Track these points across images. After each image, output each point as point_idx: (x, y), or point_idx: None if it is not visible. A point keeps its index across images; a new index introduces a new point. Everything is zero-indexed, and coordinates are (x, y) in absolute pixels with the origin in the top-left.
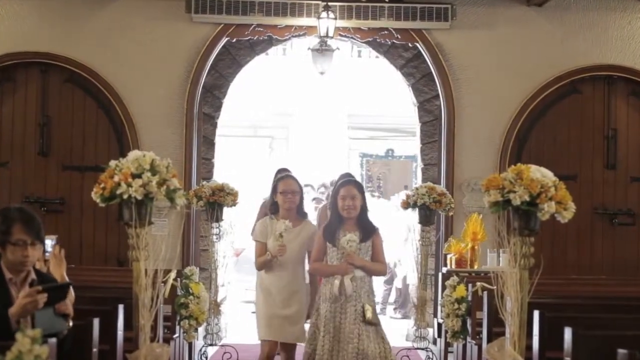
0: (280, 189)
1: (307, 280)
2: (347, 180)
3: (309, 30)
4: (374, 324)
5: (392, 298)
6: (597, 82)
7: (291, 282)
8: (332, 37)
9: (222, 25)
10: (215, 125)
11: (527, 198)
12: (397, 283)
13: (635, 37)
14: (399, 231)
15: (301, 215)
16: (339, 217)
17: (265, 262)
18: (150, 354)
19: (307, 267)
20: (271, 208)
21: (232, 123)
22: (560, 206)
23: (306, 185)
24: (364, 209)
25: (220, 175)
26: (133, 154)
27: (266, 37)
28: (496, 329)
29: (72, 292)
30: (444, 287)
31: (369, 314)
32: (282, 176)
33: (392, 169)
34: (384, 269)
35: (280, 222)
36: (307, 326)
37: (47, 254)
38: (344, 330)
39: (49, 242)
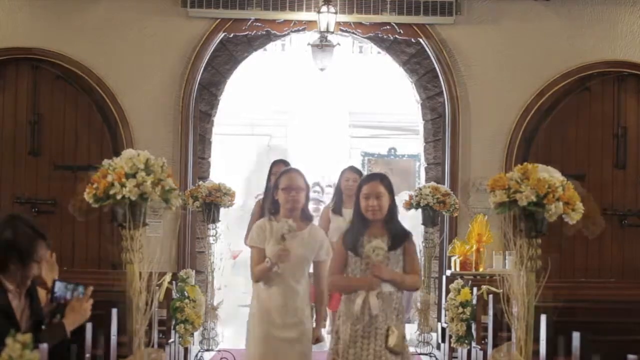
0: (282, 185)
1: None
2: (372, 175)
3: (308, 25)
4: (397, 352)
5: None
6: (606, 78)
7: (293, 298)
8: (332, 32)
9: (218, 20)
10: (211, 124)
11: (533, 198)
12: None
13: None
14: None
15: (306, 217)
16: (363, 219)
17: (264, 271)
18: None
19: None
20: (271, 207)
21: (229, 121)
22: (568, 207)
23: (315, 185)
24: (392, 209)
25: (217, 175)
26: (127, 153)
27: (264, 32)
28: (502, 333)
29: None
30: (447, 291)
31: (392, 340)
32: (285, 170)
33: (394, 169)
34: (418, 283)
35: (282, 222)
36: (314, 348)
37: None
38: (368, 358)
39: None
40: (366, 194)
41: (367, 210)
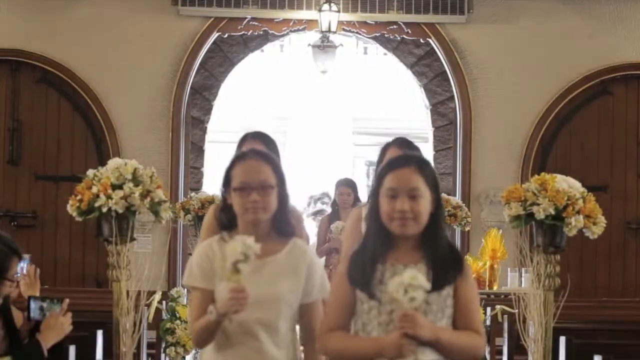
0: (235, 181)
1: None
2: (402, 157)
3: (309, 24)
4: None
5: None
6: (630, 82)
7: None
8: (334, 32)
9: (212, 18)
10: (204, 131)
11: (552, 211)
12: None
13: None
14: None
15: (283, 232)
16: (384, 235)
17: (208, 329)
18: None
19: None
20: (221, 216)
21: (223, 128)
22: (589, 220)
23: (324, 196)
24: (436, 218)
25: (211, 186)
26: (113, 163)
27: (262, 32)
28: (518, 357)
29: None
30: None
31: None
32: (240, 155)
33: None
34: (480, 346)
35: (236, 241)
36: None
37: (17, 275)
38: None
39: (22, 263)
40: (392, 189)
41: (393, 219)
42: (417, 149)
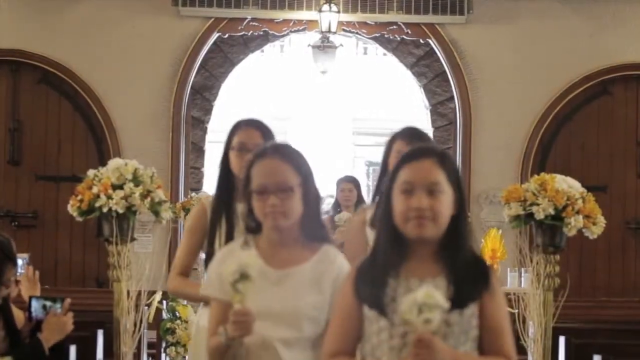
0: (254, 184)
1: None
2: (420, 149)
3: (309, 24)
4: None
5: None
6: (629, 82)
7: None
8: (334, 33)
9: (212, 19)
10: (205, 131)
11: (551, 211)
12: None
13: None
14: None
15: (313, 237)
16: (397, 240)
17: (219, 352)
18: None
19: None
20: (247, 220)
21: (224, 128)
22: (589, 220)
23: None
24: (460, 219)
25: (211, 186)
26: (114, 163)
27: (262, 33)
28: (517, 356)
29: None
30: None
31: None
32: (259, 152)
33: None
34: None
35: (232, 260)
36: None
37: (18, 275)
38: None
39: (21, 262)
40: (407, 183)
41: (408, 219)
42: (428, 139)
